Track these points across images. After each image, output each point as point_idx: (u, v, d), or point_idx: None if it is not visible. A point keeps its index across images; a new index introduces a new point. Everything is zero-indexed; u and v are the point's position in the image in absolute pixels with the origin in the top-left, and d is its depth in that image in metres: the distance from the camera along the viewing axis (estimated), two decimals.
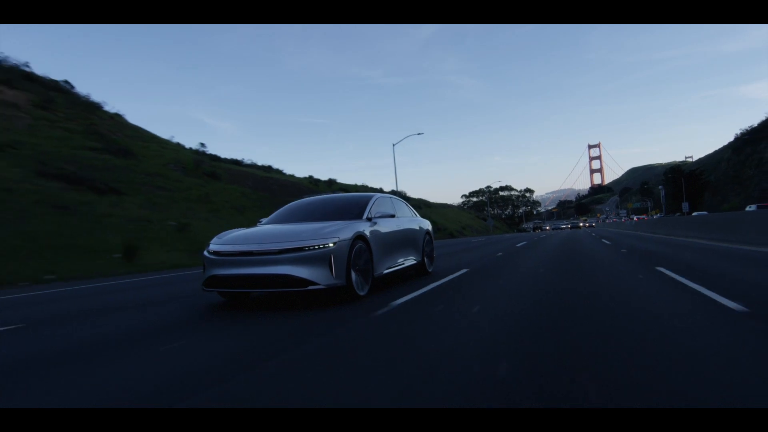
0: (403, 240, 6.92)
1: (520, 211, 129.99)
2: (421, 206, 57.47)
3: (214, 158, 43.76)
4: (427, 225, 8.35)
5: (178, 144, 40.56)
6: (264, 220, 6.80)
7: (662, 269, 7.14)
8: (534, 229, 75.29)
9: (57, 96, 33.72)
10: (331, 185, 52.96)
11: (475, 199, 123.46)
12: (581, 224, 79.04)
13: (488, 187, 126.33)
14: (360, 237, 5.45)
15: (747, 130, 78.23)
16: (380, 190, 57.01)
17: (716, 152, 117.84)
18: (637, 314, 3.99)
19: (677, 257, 9.71)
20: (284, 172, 52.85)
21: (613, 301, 4.67)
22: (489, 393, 2.35)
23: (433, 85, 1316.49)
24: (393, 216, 6.70)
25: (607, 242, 18.03)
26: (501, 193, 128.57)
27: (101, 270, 13.05)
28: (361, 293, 5.40)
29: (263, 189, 38.65)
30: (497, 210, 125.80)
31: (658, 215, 60.67)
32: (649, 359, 2.73)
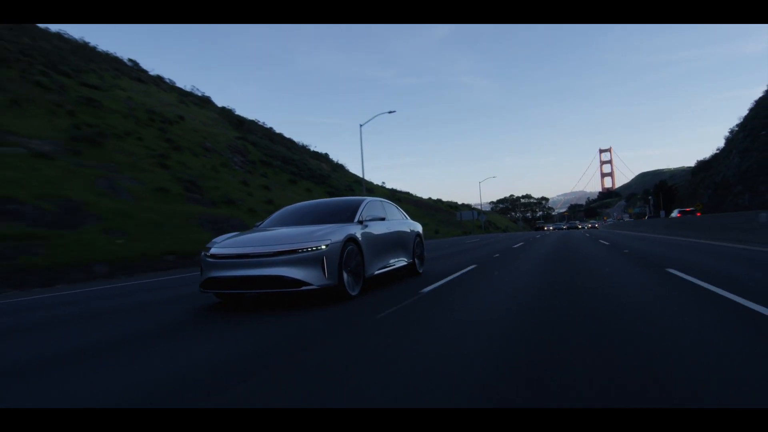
0: (394, 242, 6.94)
1: (538, 214, 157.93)
2: (479, 213, 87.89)
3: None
4: (417, 227, 8.27)
5: (369, 181, 59.73)
6: (260, 224, 6.74)
7: (602, 241, 16.45)
8: (536, 228, 79.95)
9: (330, 161, 58.57)
10: (438, 202, 70.40)
11: (501, 205, 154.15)
12: (579, 225, 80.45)
13: (511, 195, 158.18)
14: (351, 239, 5.42)
15: (702, 160, 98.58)
16: (468, 207, 73.80)
17: (688, 173, 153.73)
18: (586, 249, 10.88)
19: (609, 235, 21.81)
20: (412, 193, 69.44)
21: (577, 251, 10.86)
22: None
23: (446, 86, 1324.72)
24: (383, 219, 6.74)
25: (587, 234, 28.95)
26: (522, 200, 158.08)
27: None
28: (353, 293, 5.32)
29: (420, 206, 59.48)
30: (519, 213, 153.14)
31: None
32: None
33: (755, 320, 3.61)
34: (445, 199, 79.12)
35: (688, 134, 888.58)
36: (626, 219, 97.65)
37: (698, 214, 33.59)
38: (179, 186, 19.70)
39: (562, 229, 63.63)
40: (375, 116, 26.95)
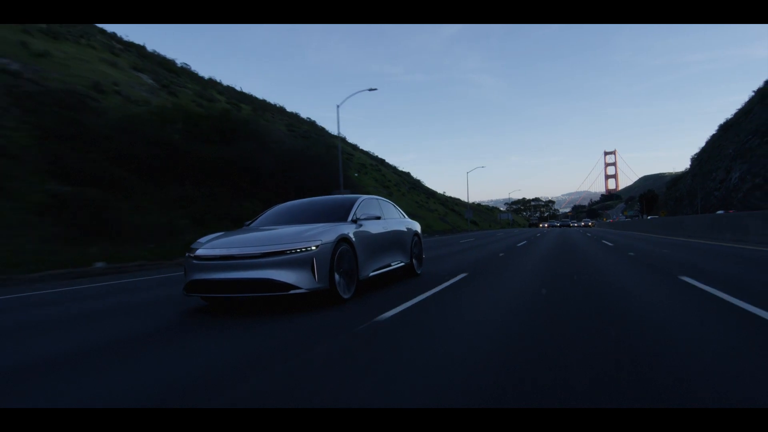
0: (390, 242, 6.66)
1: (545, 214, 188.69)
2: (510, 214, 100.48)
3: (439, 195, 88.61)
4: (415, 226, 7.92)
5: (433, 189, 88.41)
6: (250, 222, 6.40)
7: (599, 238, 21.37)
8: (530, 225, 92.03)
9: (410, 177, 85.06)
10: (479, 205, 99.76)
11: (515, 206, 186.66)
12: (571, 224, 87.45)
13: (523, 198, 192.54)
14: (344, 239, 5.22)
15: (677, 173, 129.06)
16: (500, 210, 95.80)
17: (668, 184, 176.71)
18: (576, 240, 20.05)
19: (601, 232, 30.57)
20: (461, 199, 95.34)
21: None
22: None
23: (454, 83, 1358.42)
24: (379, 218, 6.46)
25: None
26: (533, 203, 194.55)
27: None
28: (346, 296, 5.14)
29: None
30: (529, 213, 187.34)
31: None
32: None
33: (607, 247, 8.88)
34: (451, 194, 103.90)
35: (694, 137, 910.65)
36: (622, 220, 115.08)
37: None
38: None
39: (556, 226, 74.16)
40: (476, 167, 55.37)
